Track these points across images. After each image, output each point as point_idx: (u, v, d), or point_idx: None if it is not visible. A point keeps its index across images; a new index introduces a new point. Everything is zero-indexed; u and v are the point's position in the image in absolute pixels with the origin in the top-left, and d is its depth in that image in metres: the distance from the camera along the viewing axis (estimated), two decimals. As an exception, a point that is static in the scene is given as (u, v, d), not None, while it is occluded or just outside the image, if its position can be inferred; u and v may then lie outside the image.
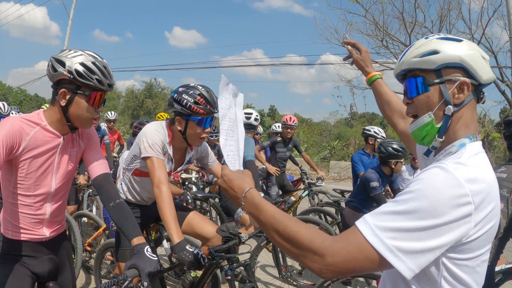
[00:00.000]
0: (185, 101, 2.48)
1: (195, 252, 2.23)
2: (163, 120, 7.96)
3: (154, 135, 2.54)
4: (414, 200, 0.99)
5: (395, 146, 4.33)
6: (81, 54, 1.87)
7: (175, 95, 2.55)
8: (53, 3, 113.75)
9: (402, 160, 4.38)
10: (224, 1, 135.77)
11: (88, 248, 4.53)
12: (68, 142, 2.04)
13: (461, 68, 1.15)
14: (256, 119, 5.19)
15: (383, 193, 4.53)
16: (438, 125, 1.18)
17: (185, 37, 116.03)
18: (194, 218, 2.98)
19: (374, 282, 4.40)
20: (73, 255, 2.37)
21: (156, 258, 1.83)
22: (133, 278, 1.73)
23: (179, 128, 2.59)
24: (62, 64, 1.83)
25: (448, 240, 0.99)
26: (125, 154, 3.12)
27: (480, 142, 1.19)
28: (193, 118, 2.52)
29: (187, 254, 2.21)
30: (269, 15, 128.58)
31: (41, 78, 33.31)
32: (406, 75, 1.26)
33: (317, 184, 6.11)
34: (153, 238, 3.23)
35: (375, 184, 4.29)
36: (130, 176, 2.86)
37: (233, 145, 1.53)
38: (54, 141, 1.95)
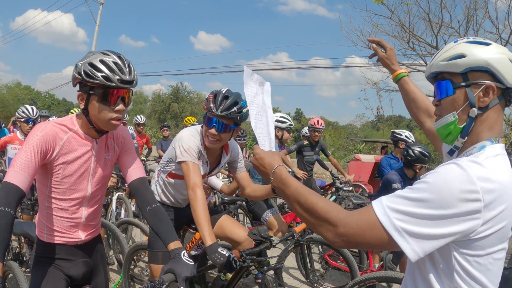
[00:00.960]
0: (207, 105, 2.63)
1: (227, 254, 2.25)
2: (190, 124, 8.15)
3: (190, 140, 2.63)
4: (427, 191, 1.04)
5: (422, 150, 4.31)
6: (93, 54, 1.85)
7: (205, 104, 2.69)
8: (80, 10, 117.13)
9: (427, 165, 4.35)
10: (248, 5, 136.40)
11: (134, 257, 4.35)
12: (103, 147, 2.05)
13: (488, 71, 1.17)
14: (288, 129, 5.18)
15: None
16: (461, 126, 1.22)
17: (210, 41, 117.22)
18: (226, 222, 3.03)
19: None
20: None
21: (193, 263, 1.81)
22: (170, 282, 1.73)
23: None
24: (76, 67, 1.83)
25: (454, 231, 1.03)
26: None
27: (502, 145, 1.21)
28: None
29: (219, 257, 2.23)
30: (293, 18, 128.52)
31: (69, 83, 34.17)
32: (436, 77, 1.30)
33: (344, 188, 6.05)
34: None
35: (397, 185, 4.27)
36: (164, 178, 2.93)
37: (262, 127, 1.66)
38: (87, 145, 1.96)
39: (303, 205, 1.22)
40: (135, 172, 2.09)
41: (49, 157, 1.84)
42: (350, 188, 6.11)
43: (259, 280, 2.44)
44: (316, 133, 6.42)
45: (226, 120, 2.57)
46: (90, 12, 21.58)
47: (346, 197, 6.35)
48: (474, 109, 1.18)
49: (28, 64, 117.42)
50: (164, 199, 3.00)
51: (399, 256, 4.30)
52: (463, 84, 1.20)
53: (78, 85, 1.88)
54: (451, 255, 1.10)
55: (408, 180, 4.43)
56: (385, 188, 4.42)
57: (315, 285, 4.28)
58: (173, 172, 2.86)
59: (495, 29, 11.59)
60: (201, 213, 2.39)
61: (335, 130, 34.92)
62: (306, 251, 4.17)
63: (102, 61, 1.80)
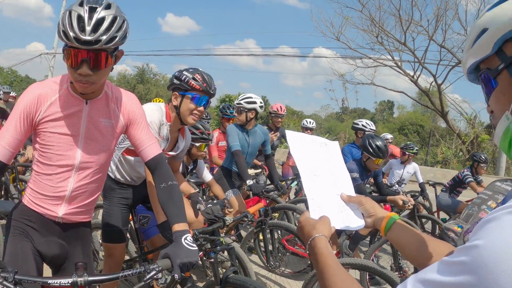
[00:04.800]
0: (184, 76, 2.61)
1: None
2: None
3: (153, 114, 2.57)
4: (469, 268, 0.64)
5: (372, 141, 4.20)
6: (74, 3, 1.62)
7: (177, 73, 2.68)
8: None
9: (374, 159, 4.22)
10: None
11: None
12: (99, 110, 1.83)
13: None
14: (261, 107, 5.02)
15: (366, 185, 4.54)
16: None
17: (178, 23, 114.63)
18: None
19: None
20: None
21: (196, 248, 1.66)
22: (163, 269, 1.57)
23: (174, 103, 2.66)
24: None
25: None
26: None
27: None
28: (188, 93, 2.60)
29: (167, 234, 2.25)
30: (263, 6, 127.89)
31: (33, 59, 32.87)
32: (479, 68, 0.90)
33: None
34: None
35: (354, 175, 4.27)
36: (120, 155, 2.87)
37: (321, 194, 1.34)
38: (75, 106, 1.77)
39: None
40: (150, 149, 1.91)
41: (35, 121, 1.71)
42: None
43: (212, 260, 2.42)
44: (279, 119, 6.47)
45: (211, 96, 2.68)
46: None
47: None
48: None
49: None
50: (119, 176, 2.92)
51: (355, 242, 4.39)
52: (501, 65, 0.80)
53: None
54: None
55: (366, 170, 4.48)
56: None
57: (276, 270, 4.32)
58: (130, 148, 2.80)
59: (464, 30, 11.92)
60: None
61: (300, 120, 35.14)
62: (268, 236, 4.20)
63: (69, 13, 1.56)
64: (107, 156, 1.93)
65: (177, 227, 1.71)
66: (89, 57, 1.59)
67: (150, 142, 1.92)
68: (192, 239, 1.69)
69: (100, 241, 3.67)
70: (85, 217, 1.99)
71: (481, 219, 0.74)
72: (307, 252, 1.18)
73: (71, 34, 1.53)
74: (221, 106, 5.95)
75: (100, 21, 1.56)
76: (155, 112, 2.60)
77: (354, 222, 1.34)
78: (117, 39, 1.61)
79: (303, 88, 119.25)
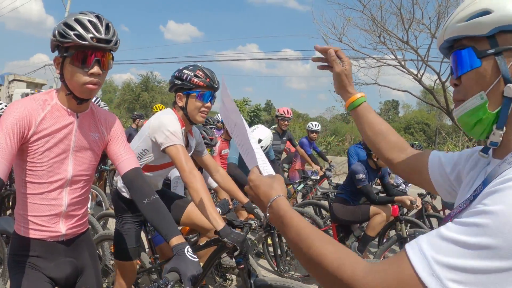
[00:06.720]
0: (185, 75, 2.55)
1: (241, 232, 2.23)
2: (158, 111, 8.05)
3: (174, 123, 2.50)
4: (491, 230, 0.66)
5: None
6: (70, 15, 1.70)
7: (176, 73, 2.62)
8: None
9: None
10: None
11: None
12: (88, 124, 1.86)
13: None
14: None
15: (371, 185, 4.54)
16: (495, 111, 0.86)
17: (180, 30, 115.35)
18: (194, 210, 2.93)
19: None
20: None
21: (197, 259, 1.65)
22: (175, 282, 1.58)
23: (180, 104, 2.60)
24: (53, 29, 1.69)
25: None
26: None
27: None
28: (193, 92, 2.55)
29: (237, 236, 2.18)
30: (263, 10, 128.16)
31: (36, 71, 33.12)
32: (453, 46, 0.96)
33: (312, 177, 6.13)
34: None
35: (361, 176, 4.30)
36: None
37: (246, 146, 1.28)
38: (66, 119, 1.76)
39: (306, 255, 0.89)
40: (128, 162, 1.90)
41: (26, 137, 1.65)
42: (318, 178, 6.18)
43: (242, 266, 2.36)
44: (286, 122, 6.48)
45: (215, 90, 2.62)
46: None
47: (313, 186, 6.44)
48: (511, 85, 0.83)
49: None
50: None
51: (364, 244, 4.37)
52: (491, 51, 0.85)
53: (57, 51, 1.73)
54: None
55: (373, 171, 4.47)
56: (351, 179, 4.47)
57: (285, 274, 4.30)
58: (150, 164, 2.70)
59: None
60: (206, 196, 2.28)
61: (305, 122, 35.15)
62: (277, 240, 4.18)
63: (76, 20, 1.64)
64: (94, 168, 1.95)
65: (175, 240, 1.69)
66: (100, 58, 1.69)
67: (127, 155, 1.92)
68: (191, 250, 1.68)
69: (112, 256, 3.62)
70: (83, 228, 1.98)
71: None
72: (267, 215, 1.06)
73: (88, 35, 1.63)
74: None
75: (108, 25, 1.71)
76: (174, 121, 2.52)
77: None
78: (119, 42, 1.76)
79: (307, 90, 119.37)
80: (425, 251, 0.71)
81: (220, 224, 2.20)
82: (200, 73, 2.54)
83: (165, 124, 2.47)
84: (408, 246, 0.74)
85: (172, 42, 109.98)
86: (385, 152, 1.38)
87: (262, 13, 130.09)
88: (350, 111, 1.45)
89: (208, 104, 2.59)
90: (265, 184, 1.08)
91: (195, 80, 2.52)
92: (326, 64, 1.47)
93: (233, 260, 2.39)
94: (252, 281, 2.32)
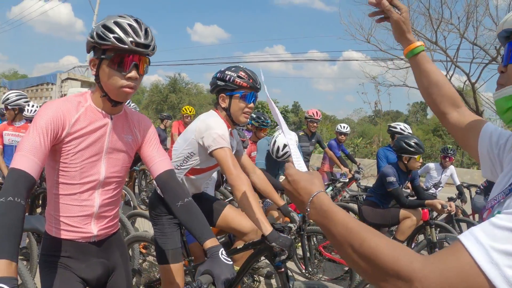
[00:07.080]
0: (228, 76, 2.56)
1: (288, 236, 2.22)
2: (187, 113, 8.16)
3: (221, 126, 2.50)
4: None
5: (408, 141, 4.22)
6: (109, 17, 1.70)
7: (218, 74, 2.63)
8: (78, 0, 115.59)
9: (416, 157, 4.22)
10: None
11: (143, 251, 4.06)
12: (122, 126, 1.87)
13: None
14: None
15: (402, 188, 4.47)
16: None
17: (207, 32, 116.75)
18: (230, 214, 2.93)
19: None
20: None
21: (231, 263, 1.62)
22: (208, 285, 1.56)
23: (223, 105, 2.61)
24: (91, 31, 1.69)
25: None
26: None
27: None
28: (236, 92, 2.58)
29: (285, 240, 2.18)
30: (289, 11, 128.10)
31: (67, 72, 33.84)
32: (510, 37, 1.00)
33: (340, 180, 6.08)
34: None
35: (391, 179, 4.22)
36: (182, 177, 2.75)
37: (293, 144, 1.33)
38: (100, 121, 1.77)
39: (358, 250, 0.85)
40: (161, 164, 1.89)
41: (59, 138, 1.65)
42: (347, 180, 6.13)
43: (282, 269, 2.37)
44: (315, 124, 6.48)
45: (258, 91, 2.63)
46: (89, 1, 21.51)
47: (342, 188, 6.39)
48: None
49: (25, 53, 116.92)
50: None
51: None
52: None
53: (93, 52, 1.73)
54: None
55: (404, 174, 4.39)
56: (381, 182, 4.41)
57: (313, 277, 4.28)
58: (195, 167, 2.69)
59: (495, 27, 11.57)
60: (253, 200, 2.27)
61: (333, 124, 34.87)
62: (306, 243, 4.18)
63: (116, 23, 1.65)
64: (126, 170, 1.95)
65: (209, 243, 1.66)
66: (138, 62, 1.70)
67: (160, 157, 1.92)
68: (226, 253, 1.65)
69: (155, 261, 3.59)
70: (114, 228, 2.00)
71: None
72: (307, 211, 1.02)
73: (128, 39, 1.64)
74: (255, 115, 5.55)
75: (146, 30, 1.72)
76: (221, 124, 2.52)
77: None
78: (156, 47, 1.76)
79: (334, 92, 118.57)
80: (481, 239, 0.70)
81: (268, 228, 2.19)
82: (243, 74, 2.56)
83: (212, 127, 2.46)
84: (463, 237, 0.74)
85: (199, 44, 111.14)
86: (439, 104, 1.42)
87: (288, 14, 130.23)
88: (409, 58, 1.49)
89: (251, 104, 2.59)
90: (305, 179, 1.06)
91: (238, 81, 2.54)
92: (382, 16, 1.51)
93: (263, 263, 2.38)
94: (291, 285, 2.31)
